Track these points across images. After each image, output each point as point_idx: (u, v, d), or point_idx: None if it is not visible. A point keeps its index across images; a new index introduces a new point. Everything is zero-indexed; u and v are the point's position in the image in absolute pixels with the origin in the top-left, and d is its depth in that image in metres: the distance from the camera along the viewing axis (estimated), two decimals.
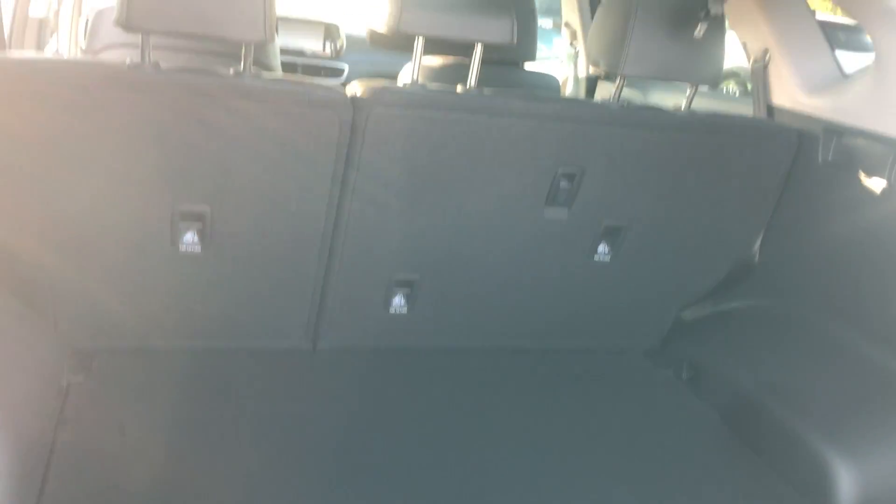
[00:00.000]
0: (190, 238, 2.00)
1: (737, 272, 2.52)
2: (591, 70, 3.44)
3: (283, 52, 4.08)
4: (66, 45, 3.41)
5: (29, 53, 2.62)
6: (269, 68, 3.07)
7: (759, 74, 2.41)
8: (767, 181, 2.33)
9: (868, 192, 2.09)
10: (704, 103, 2.59)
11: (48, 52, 3.30)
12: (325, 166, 1.97)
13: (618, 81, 2.12)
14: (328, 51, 4.36)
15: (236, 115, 1.86)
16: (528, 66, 3.16)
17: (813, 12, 2.35)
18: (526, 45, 2.95)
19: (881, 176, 2.04)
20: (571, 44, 3.62)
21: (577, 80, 3.61)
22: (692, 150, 2.21)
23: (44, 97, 1.75)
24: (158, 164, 1.89)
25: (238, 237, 2.07)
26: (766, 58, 2.39)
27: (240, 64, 1.87)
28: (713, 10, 1.96)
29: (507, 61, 2.97)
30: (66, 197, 1.90)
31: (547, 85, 3.12)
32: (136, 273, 2.08)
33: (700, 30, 2.00)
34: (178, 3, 1.72)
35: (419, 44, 1.99)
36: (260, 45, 1.86)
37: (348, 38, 4.54)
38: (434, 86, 2.14)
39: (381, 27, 2.01)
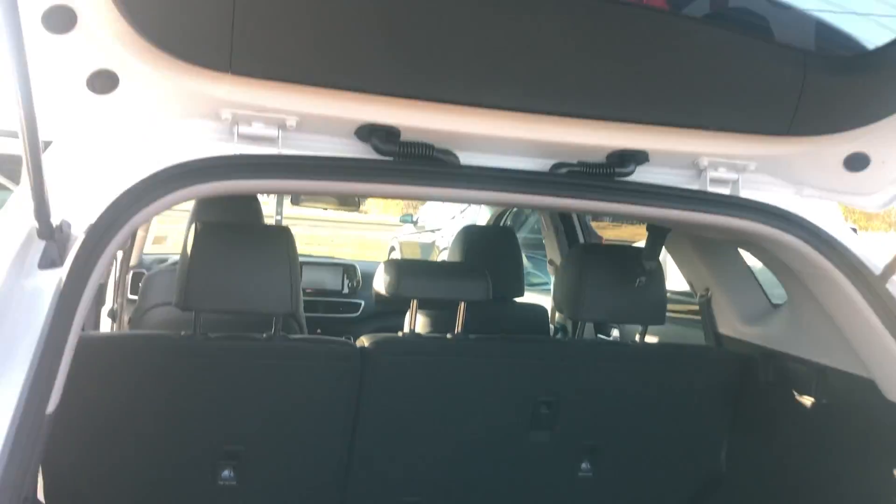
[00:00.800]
0: (227, 474, 2.36)
1: (709, 482, 2.81)
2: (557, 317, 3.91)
3: (306, 293, 4.64)
4: (115, 298, 3.99)
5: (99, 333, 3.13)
6: (294, 314, 3.57)
7: (705, 308, 2.86)
8: (720, 399, 2.69)
9: (803, 408, 2.44)
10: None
11: (104, 310, 3.87)
12: (339, 407, 2.38)
13: (579, 325, 2.57)
14: (346, 289, 4.92)
15: (268, 369, 2.31)
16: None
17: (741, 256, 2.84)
18: (513, 283, 3.44)
19: (809, 394, 2.41)
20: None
21: None
22: (651, 375, 2.60)
23: (114, 366, 2.19)
24: (203, 412, 2.31)
25: (268, 470, 2.43)
26: (709, 294, 2.85)
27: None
28: (647, 266, 2.45)
29: (497, 297, 3.45)
30: (122, 443, 2.28)
31: (534, 316, 3.56)
32: None
33: (639, 282, 2.47)
34: (223, 286, 2.20)
35: (414, 303, 2.48)
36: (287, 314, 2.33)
37: (364, 275, 5.11)
38: (429, 330, 2.59)
39: (384, 290, 2.51)
